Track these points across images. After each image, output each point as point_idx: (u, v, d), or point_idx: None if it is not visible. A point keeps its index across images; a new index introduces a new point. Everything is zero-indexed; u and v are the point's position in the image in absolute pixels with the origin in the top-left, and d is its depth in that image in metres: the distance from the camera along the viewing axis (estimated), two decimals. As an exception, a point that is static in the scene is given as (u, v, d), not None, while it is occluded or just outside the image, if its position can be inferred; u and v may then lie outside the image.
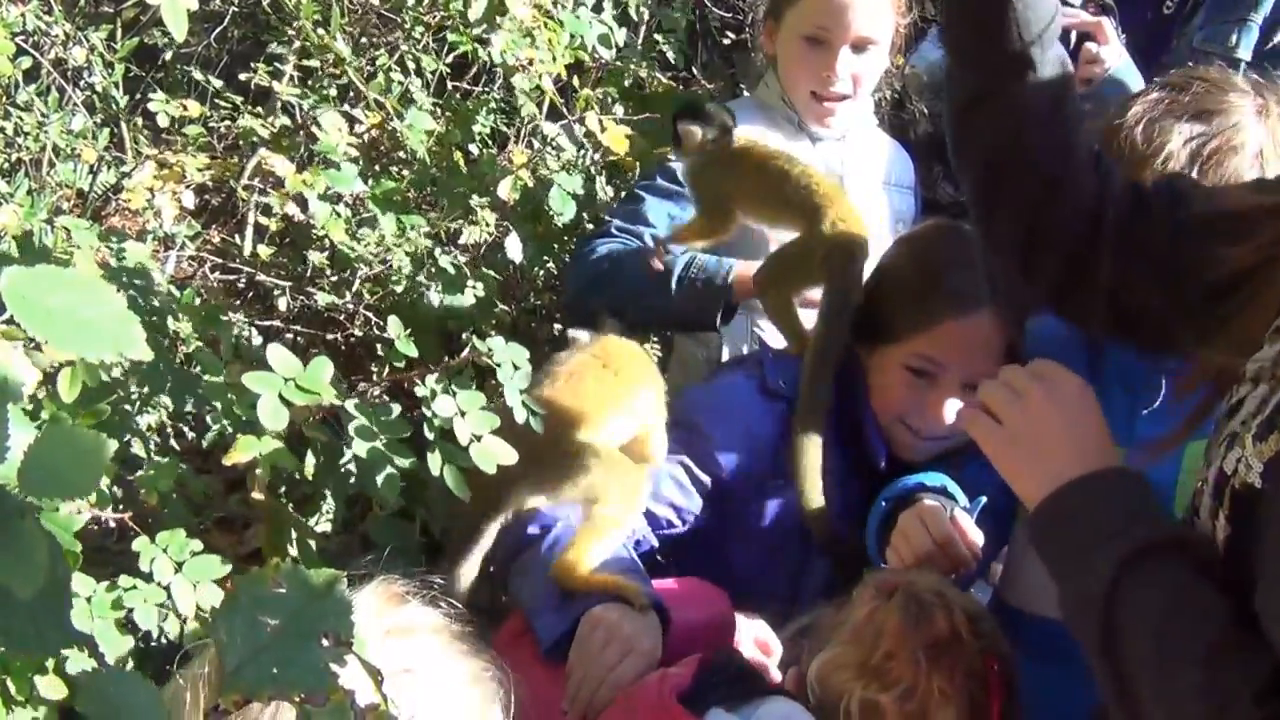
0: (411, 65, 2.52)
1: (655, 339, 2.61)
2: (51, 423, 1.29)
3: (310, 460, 1.70)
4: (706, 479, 1.90)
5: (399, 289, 2.23)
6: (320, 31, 2.34)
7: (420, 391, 1.59)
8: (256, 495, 1.60)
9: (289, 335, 2.39)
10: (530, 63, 2.26)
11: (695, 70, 3.38)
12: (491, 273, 2.28)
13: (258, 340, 2.18)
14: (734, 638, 1.69)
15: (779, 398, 1.92)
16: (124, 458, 1.68)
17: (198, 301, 1.79)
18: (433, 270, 2.20)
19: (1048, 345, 1.71)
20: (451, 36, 2.43)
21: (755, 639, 1.71)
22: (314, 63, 2.41)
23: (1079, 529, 1.18)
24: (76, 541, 1.15)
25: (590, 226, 2.46)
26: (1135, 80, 2.42)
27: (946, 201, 2.59)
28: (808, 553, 1.92)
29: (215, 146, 2.63)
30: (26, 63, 2.38)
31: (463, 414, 1.58)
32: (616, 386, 1.81)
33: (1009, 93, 1.35)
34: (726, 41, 3.60)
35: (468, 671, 1.14)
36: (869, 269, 1.96)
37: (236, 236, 2.55)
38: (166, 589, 1.37)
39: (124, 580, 1.37)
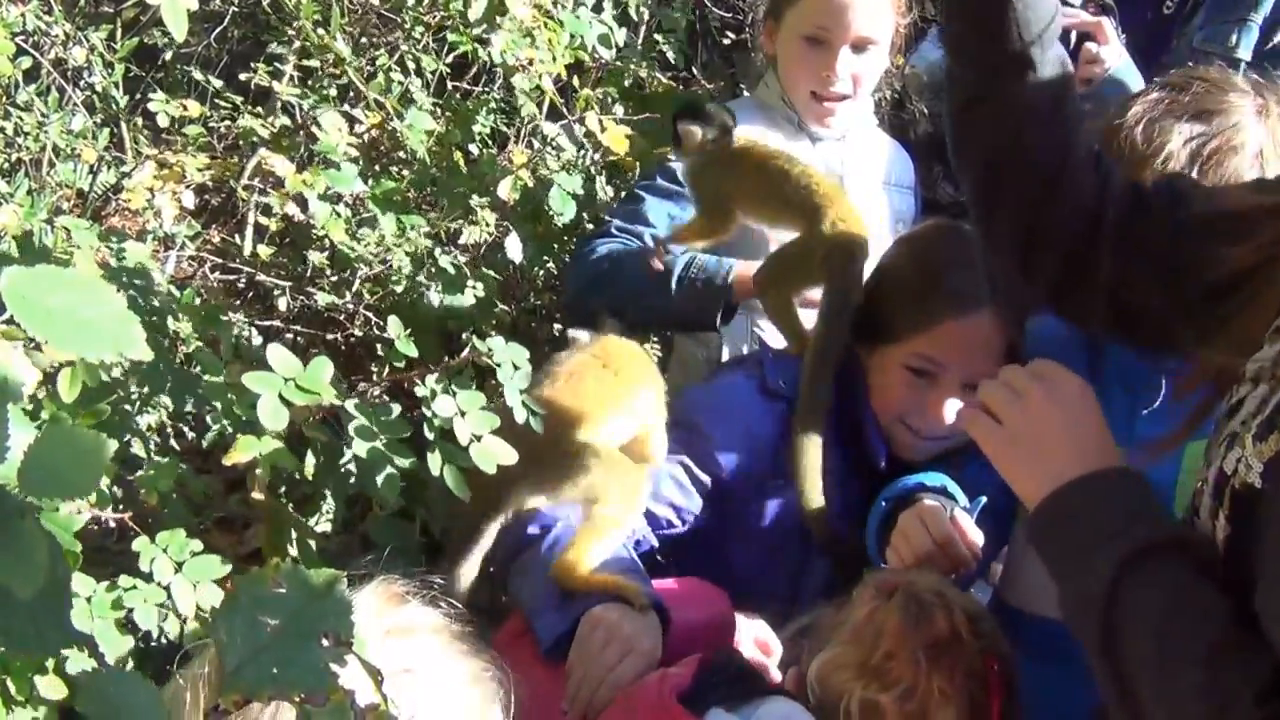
0: (411, 65, 2.52)
1: (655, 339, 2.61)
2: (51, 422, 1.29)
3: (310, 460, 1.70)
4: (706, 479, 1.90)
5: (399, 289, 2.23)
6: (320, 31, 2.34)
7: (420, 391, 1.59)
8: (256, 495, 1.60)
9: (289, 335, 2.39)
10: (530, 63, 2.26)
11: (695, 70, 3.38)
12: (491, 273, 2.28)
13: (258, 340, 2.18)
14: (734, 638, 1.69)
15: (779, 398, 1.92)
16: (124, 458, 1.68)
17: (198, 301, 1.79)
18: (433, 270, 2.20)
19: (1047, 345, 1.71)
20: (451, 36, 2.43)
21: (755, 639, 1.71)
22: (314, 63, 2.41)
23: (1079, 529, 1.17)
24: (76, 541, 1.15)
25: (590, 226, 2.46)
26: (1135, 80, 2.42)
27: (946, 201, 2.59)
28: (808, 553, 1.92)
29: (215, 146, 2.63)
30: (26, 63, 2.38)
31: (463, 414, 1.58)
32: (617, 386, 1.81)
33: (1009, 92, 1.35)
34: (727, 41, 3.60)
35: (468, 671, 1.14)
36: (869, 269, 1.96)
37: (236, 236, 2.55)
38: (166, 589, 1.37)
39: (124, 580, 1.37)
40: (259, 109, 2.51)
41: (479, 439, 1.57)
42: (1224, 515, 1.10)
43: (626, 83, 2.81)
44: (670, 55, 3.15)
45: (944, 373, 1.83)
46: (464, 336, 2.10)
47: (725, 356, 2.26)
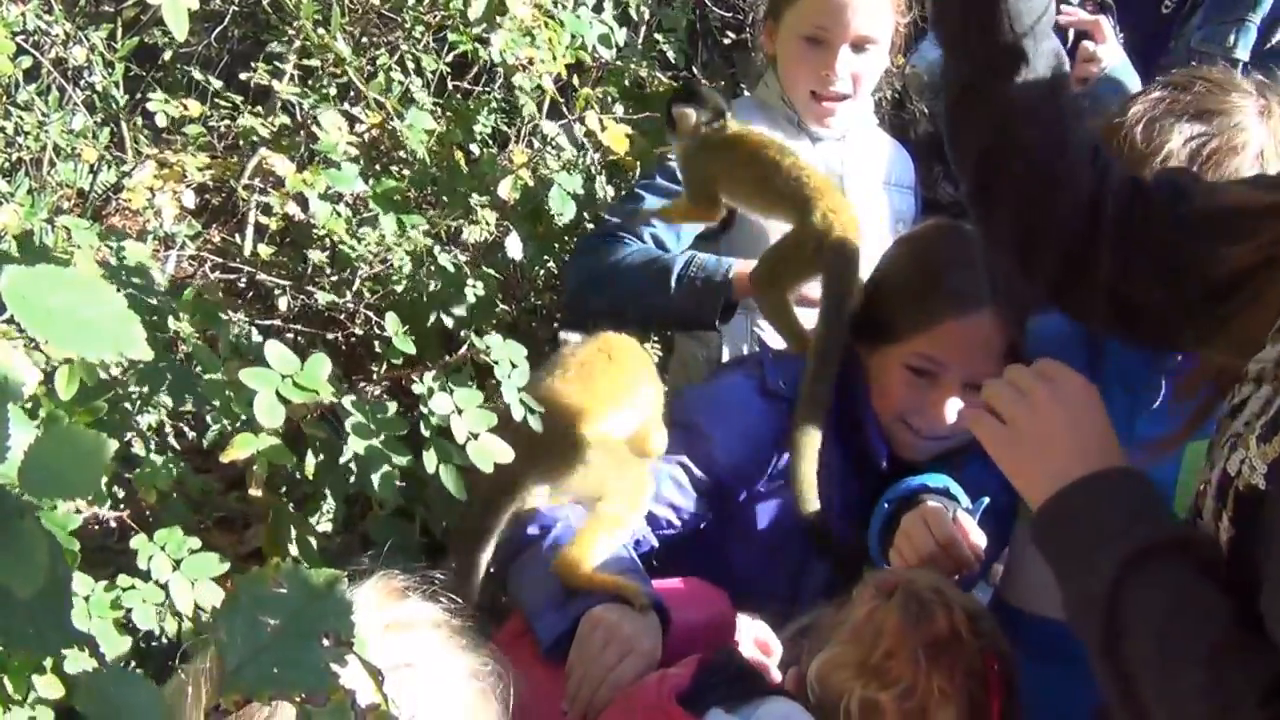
0: (412, 65, 2.52)
1: (655, 339, 2.61)
2: (49, 421, 1.29)
3: (310, 459, 1.70)
4: (706, 479, 1.90)
5: (399, 289, 2.23)
6: (320, 31, 2.33)
7: (418, 389, 1.59)
8: (254, 492, 1.60)
9: (289, 335, 2.39)
10: (530, 62, 2.26)
11: (695, 70, 3.38)
12: (492, 272, 2.28)
13: (258, 339, 2.18)
14: (734, 638, 1.69)
15: (779, 398, 1.92)
16: (124, 456, 1.68)
17: (197, 300, 1.78)
18: (432, 269, 2.20)
19: (1048, 344, 1.71)
20: (452, 36, 2.43)
21: (755, 639, 1.71)
22: (314, 62, 2.41)
23: (1082, 529, 1.17)
24: (74, 540, 1.15)
25: (590, 226, 2.46)
26: (1132, 80, 2.42)
27: (947, 201, 2.59)
28: (808, 553, 1.92)
29: (215, 146, 2.63)
30: (27, 62, 2.38)
31: (459, 412, 1.57)
32: (622, 379, 1.81)
33: (1002, 86, 1.34)
34: (727, 41, 3.60)
35: (467, 666, 1.14)
36: (868, 268, 1.96)
37: (237, 236, 2.55)
38: (165, 588, 1.37)
39: (122, 580, 1.37)
40: (259, 108, 2.51)
41: (476, 437, 1.57)
42: (1227, 517, 1.10)
43: (626, 82, 2.81)
44: (670, 55, 3.15)
45: (945, 372, 1.83)
46: (461, 334, 2.10)
47: (725, 356, 2.26)
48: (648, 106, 2.72)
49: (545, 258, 2.59)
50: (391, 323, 1.67)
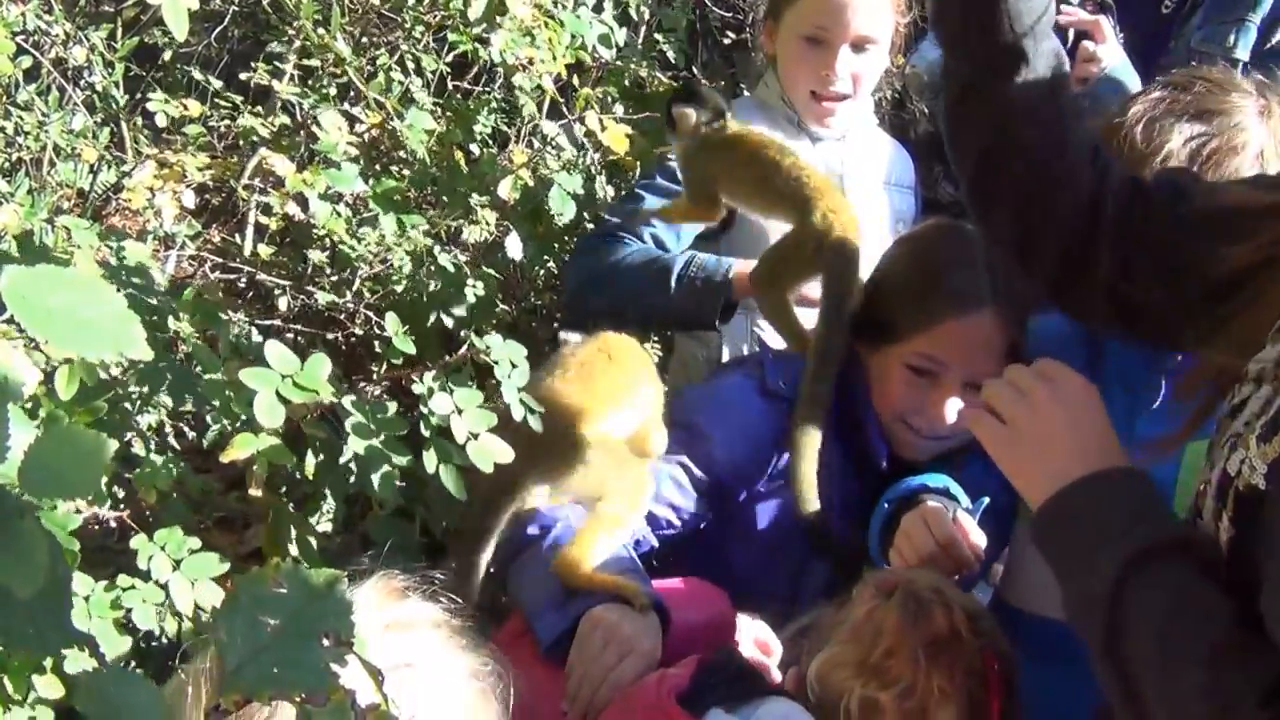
0: (412, 65, 2.52)
1: (655, 339, 2.61)
2: (49, 421, 1.29)
3: (310, 459, 1.70)
4: (706, 479, 1.90)
5: (399, 288, 2.23)
6: (320, 31, 2.33)
7: (418, 389, 1.59)
8: (254, 492, 1.60)
9: (289, 335, 2.39)
10: (530, 62, 2.26)
11: (695, 70, 3.38)
12: (492, 272, 2.28)
13: (258, 339, 2.18)
14: (734, 638, 1.69)
15: (778, 398, 1.92)
16: (124, 456, 1.68)
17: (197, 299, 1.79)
18: (432, 269, 2.20)
19: (1048, 344, 1.71)
20: (452, 36, 2.43)
21: (755, 639, 1.71)
22: (314, 62, 2.41)
23: (1083, 529, 1.17)
24: (74, 540, 1.15)
25: (590, 226, 2.46)
26: (1132, 80, 2.42)
27: (947, 201, 2.59)
28: (808, 553, 1.92)
29: (215, 146, 2.63)
30: (27, 62, 2.37)
31: (459, 411, 1.57)
32: (623, 379, 1.82)
33: (1001, 85, 1.34)
34: (727, 41, 3.60)
35: (467, 666, 1.14)
36: (868, 268, 1.96)
37: (237, 236, 2.55)
38: (164, 587, 1.37)
39: (122, 580, 1.37)
40: (259, 108, 2.51)
41: (475, 437, 1.57)
42: (1227, 517, 1.10)
43: (627, 82, 2.81)
44: (670, 55, 3.15)
45: (945, 372, 1.83)
46: (461, 334, 2.10)
47: (725, 356, 2.26)
48: (648, 106, 2.72)
49: (545, 258, 2.59)
50: (391, 323, 1.67)
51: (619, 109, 2.66)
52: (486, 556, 1.73)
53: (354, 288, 2.33)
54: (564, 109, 2.46)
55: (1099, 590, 1.11)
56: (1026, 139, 1.35)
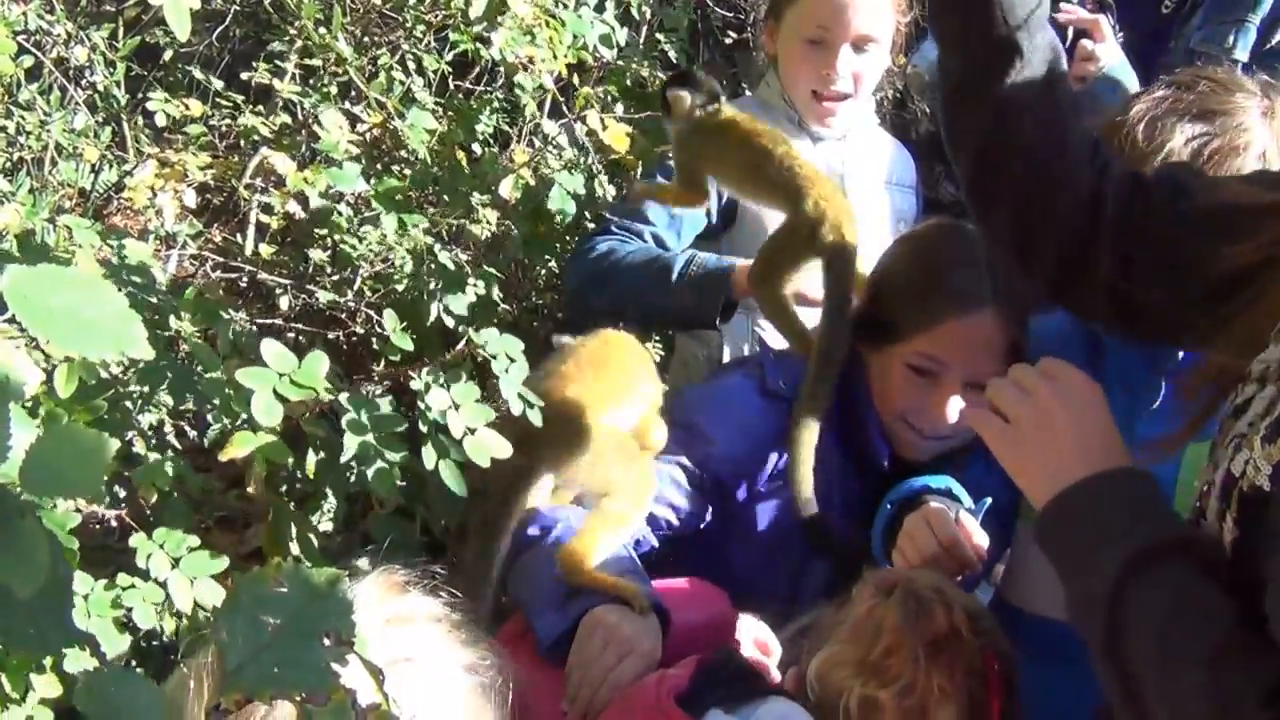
0: (413, 64, 2.52)
1: (656, 338, 2.61)
2: (50, 420, 1.29)
3: (311, 457, 1.70)
4: (706, 479, 1.90)
5: (400, 287, 2.23)
6: (322, 30, 2.33)
7: (415, 385, 1.59)
8: (252, 489, 1.61)
9: (290, 334, 2.39)
10: (531, 61, 2.26)
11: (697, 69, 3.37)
12: (493, 271, 2.29)
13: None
14: (734, 638, 1.69)
15: (779, 398, 1.92)
16: (125, 455, 1.68)
17: (197, 298, 1.79)
18: (433, 267, 2.20)
19: (1048, 343, 1.71)
20: (453, 36, 2.43)
21: (755, 639, 1.71)
22: (316, 62, 2.41)
23: (1085, 529, 1.17)
24: (73, 539, 1.15)
25: (591, 226, 2.46)
26: (1130, 79, 2.42)
27: (948, 200, 2.59)
28: (807, 553, 1.92)
29: (217, 145, 2.63)
30: (28, 62, 2.37)
31: (456, 407, 1.57)
32: (622, 375, 1.82)
33: (997, 80, 1.33)
34: (728, 41, 3.60)
35: (467, 660, 1.14)
36: (869, 267, 1.96)
37: (238, 235, 2.55)
38: (164, 586, 1.37)
39: (122, 579, 1.37)
40: (260, 108, 2.50)
41: (473, 432, 1.57)
42: (1231, 518, 1.10)
43: (628, 82, 2.81)
44: (672, 54, 3.15)
45: (946, 372, 1.83)
46: (459, 330, 2.11)
47: (726, 356, 2.26)
48: (649, 106, 2.71)
49: (546, 257, 2.59)
50: (389, 320, 1.67)
51: (620, 108, 2.66)
52: (503, 544, 1.72)
53: (355, 287, 2.33)
54: (565, 108, 2.46)
55: (1100, 590, 1.11)
56: (1024, 136, 1.34)
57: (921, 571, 1.56)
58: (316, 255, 2.35)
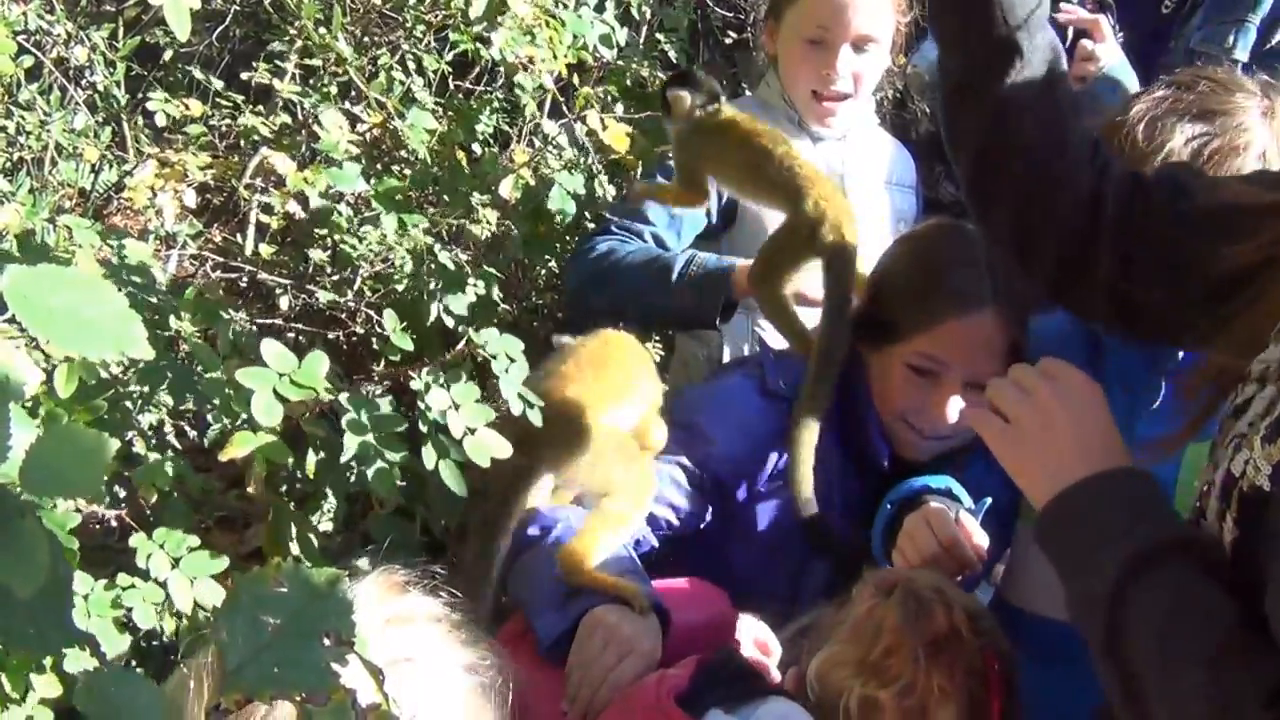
0: (413, 64, 2.52)
1: (656, 339, 2.61)
2: (50, 420, 1.29)
3: (311, 457, 1.70)
4: (706, 479, 1.90)
5: (400, 287, 2.23)
6: (322, 31, 2.33)
7: (415, 385, 1.59)
8: (252, 489, 1.61)
9: (291, 334, 2.39)
10: (531, 61, 2.26)
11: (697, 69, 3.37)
12: (493, 271, 2.29)
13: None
14: (734, 638, 1.69)
15: (779, 398, 1.92)
16: (125, 455, 1.68)
17: (197, 298, 1.79)
18: (433, 267, 2.20)
19: (1048, 343, 1.71)
20: (453, 36, 2.43)
21: (755, 639, 1.71)
22: (316, 62, 2.41)
23: (1085, 529, 1.17)
24: (73, 539, 1.15)
25: (591, 226, 2.46)
26: (1130, 79, 2.42)
27: (948, 200, 2.59)
28: (807, 553, 1.92)
29: (217, 145, 2.63)
30: (28, 62, 2.37)
31: (455, 406, 1.57)
32: (621, 375, 1.82)
33: (997, 80, 1.33)
34: (728, 41, 3.60)
35: (467, 660, 1.14)
36: (869, 267, 1.96)
37: (238, 235, 2.55)
38: (164, 586, 1.37)
39: (122, 579, 1.37)
40: (260, 108, 2.51)
41: (473, 432, 1.57)
42: (1231, 518, 1.10)
43: (628, 82, 2.81)
44: (672, 54, 3.15)
45: (946, 372, 1.83)
46: (459, 329, 2.11)
47: (726, 356, 2.26)
48: (649, 106, 2.71)
49: (546, 257, 2.59)
50: (390, 320, 1.67)
51: (620, 108, 2.66)
52: (504, 543, 1.72)
53: (355, 287, 2.33)
54: (565, 108, 2.46)
55: (1100, 590, 1.11)
56: (1024, 136, 1.34)
57: (921, 571, 1.56)
58: (316, 255, 2.35)
